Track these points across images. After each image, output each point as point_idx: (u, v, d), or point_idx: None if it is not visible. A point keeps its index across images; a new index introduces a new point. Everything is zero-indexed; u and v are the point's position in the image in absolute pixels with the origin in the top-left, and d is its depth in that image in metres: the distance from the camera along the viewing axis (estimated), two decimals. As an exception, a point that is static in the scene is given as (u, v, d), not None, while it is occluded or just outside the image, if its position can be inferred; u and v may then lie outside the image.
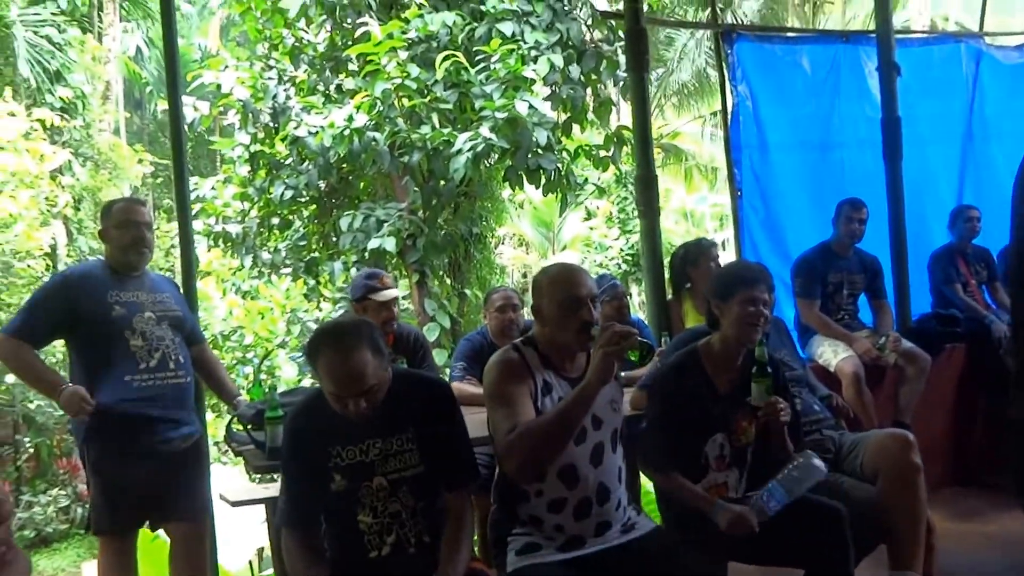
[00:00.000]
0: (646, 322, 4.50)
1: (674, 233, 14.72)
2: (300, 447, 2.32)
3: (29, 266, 7.56)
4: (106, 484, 3.05)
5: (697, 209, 17.84)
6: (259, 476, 4.52)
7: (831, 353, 4.32)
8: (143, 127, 20.42)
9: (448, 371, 4.19)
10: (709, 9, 6.78)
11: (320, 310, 8.84)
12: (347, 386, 2.17)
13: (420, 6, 6.99)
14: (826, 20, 16.02)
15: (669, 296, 4.38)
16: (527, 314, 4.05)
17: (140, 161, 12.08)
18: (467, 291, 7.83)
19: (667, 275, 4.42)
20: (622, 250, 13.98)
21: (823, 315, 4.44)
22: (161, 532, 3.43)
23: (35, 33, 11.28)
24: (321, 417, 2.27)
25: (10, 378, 7.22)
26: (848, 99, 5.29)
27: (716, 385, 2.73)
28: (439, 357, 6.16)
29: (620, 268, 13.77)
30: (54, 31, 11.57)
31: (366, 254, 6.88)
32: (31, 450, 8.66)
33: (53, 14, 11.69)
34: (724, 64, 5.05)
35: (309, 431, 2.31)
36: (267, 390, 3.08)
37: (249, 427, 3.06)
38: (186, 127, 6.09)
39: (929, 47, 5.81)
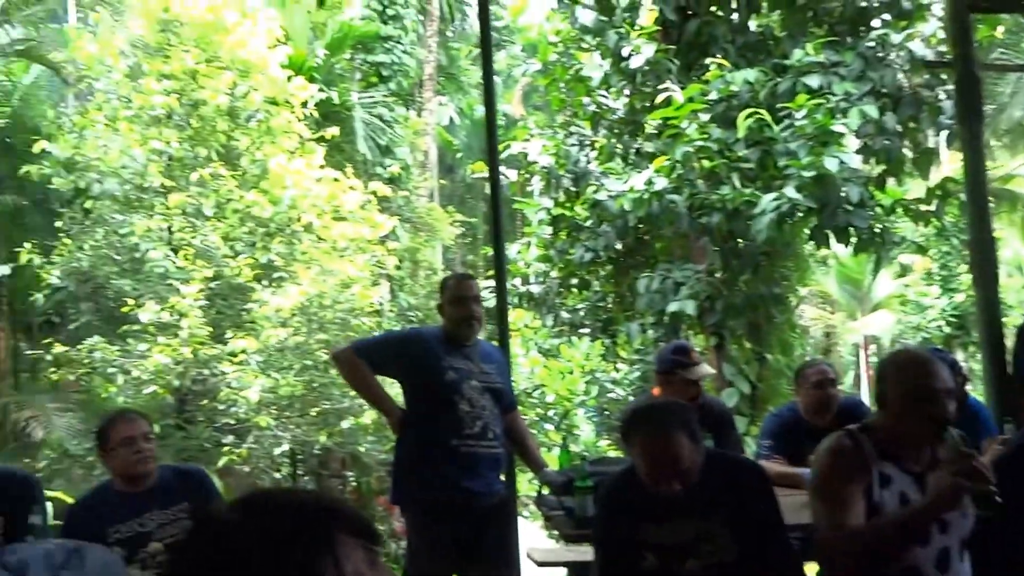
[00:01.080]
0: (982, 401, 4.02)
1: (1009, 289, 13.07)
2: (612, 522, 2.35)
3: (363, 322, 8.48)
4: (420, 536, 3.30)
5: (1036, 262, 15.71)
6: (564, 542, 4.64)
7: None
8: (454, 191, 22.27)
9: (748, 440, 4.03)
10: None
11: (617, 371, 8.95)
12: (661, 468, 2.17)
13: (720, 66, 6.95)
14: None
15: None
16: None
17: (452, 223, 13.16)
18: (767, 355, 7.51)
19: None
20: (944, 310, 12.64)
21: None
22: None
23: (369, 113, 12.87)
24: (634, 493, 2.28)
25: (345, 423, 8.09)
26: None
27: None
28: (740, 426, 5.94)
29: (942, 331, 12.46)
30: (385, 110, 13.13)
31: (664, 316, 6.87)
32: (354, 485, 9.63)
33: (384, 96, 13.26)
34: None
35: (621, 506, 2.33)
36: (577, 459, 3.16)
37: (558, 494, 3.15)
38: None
39: None
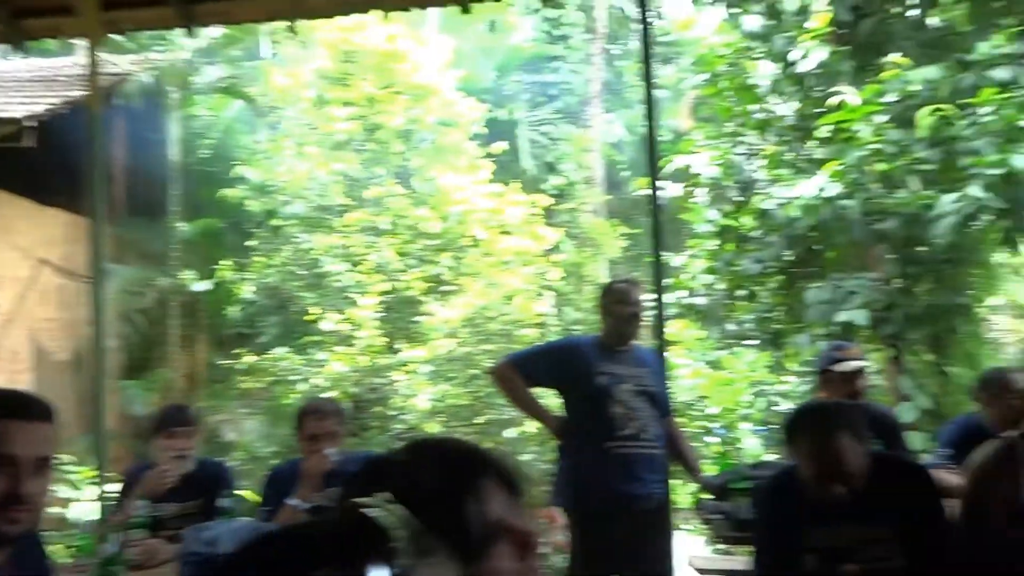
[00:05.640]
0: None
1: None
2: (772, 524, 2.31)
3: (526, 334, 8.65)
4: (579, 541, 3.35)
5: None
6: (723, 545, 4.54)
7: None
8: (620, 207, 22.18)
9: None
10: None
11: (785, 383, 8.67)
12: (826, 470, 2.12)
13: (897, 65, 6.61)
14: None
15: None
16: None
17: (618, 237, 13.16)
18: (950, 369, 7.00)
19: None
20: None
21: None
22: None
23: (536, 132, 13.18)
24: (794, 496, 2.24)
25: (508, 433, 8.27)
26: None
27: None
28: (917, 442, 5.58)
29: None
30: (552, 128, 13.42)
31: (834, 327, 6.58)
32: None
33: (550, 115, 13.54)
34: None
35: (781, 508, 2.29)
36: (736, 462, 3.12)
37: (716, 497, 3.12)
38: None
39: None
